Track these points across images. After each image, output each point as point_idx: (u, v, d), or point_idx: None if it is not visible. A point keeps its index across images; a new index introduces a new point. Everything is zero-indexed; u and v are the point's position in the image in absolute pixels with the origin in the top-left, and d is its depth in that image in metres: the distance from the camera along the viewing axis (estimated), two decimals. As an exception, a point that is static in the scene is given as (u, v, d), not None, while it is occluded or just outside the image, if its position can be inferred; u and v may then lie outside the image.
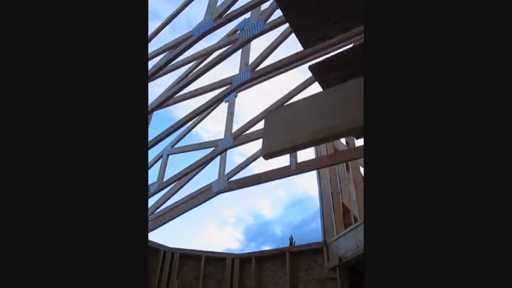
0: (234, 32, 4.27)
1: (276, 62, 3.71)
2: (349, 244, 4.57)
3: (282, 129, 1.76)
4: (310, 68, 1.90)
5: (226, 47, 3.77)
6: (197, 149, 4.79)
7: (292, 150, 1.75)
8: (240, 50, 4.05)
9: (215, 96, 4.02)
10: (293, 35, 3.75)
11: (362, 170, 5.58)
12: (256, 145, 5.03)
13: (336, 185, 5.48)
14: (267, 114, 1.89)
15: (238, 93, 4.74)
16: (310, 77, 4.77)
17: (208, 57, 4.29)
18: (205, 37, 3.70)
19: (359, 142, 5.15)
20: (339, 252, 4.76)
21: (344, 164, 5.95)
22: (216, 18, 3.38)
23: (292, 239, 14.95)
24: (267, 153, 1.73)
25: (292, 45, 3.96)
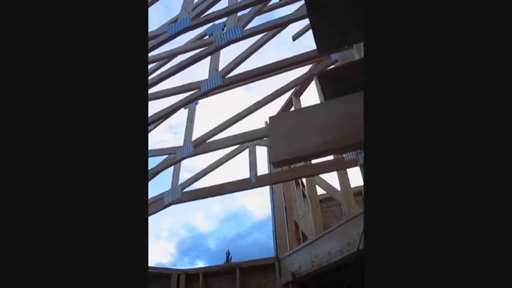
0: (201, 36, 4.11)
1: (248, 71, 3.62)
2: (304, 259, 4.55)
3: (291, 136, 1.66)
4: (319, 76, 1.84)
5: (198, 50, 3.59)
6: (152, 155, 4.45)
7: (305, 158, 1.66)
8: (209, 56, 3.90)
9: (181, 100, 3.79)
10: (264, 46, 3.63)
11: (317, 187, 5.65)
12: (215, 155, 4.85)
13: (290, 200, 5.47)
14: (270, 119, 1.77)
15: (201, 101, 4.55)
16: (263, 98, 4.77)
17: (171, 59, 4.05)
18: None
19: (317, 159, 5.24)
20: (292, 267, 4.72)
21: (294, 180, 6.02)
22: (194, 17, 3.20)
23: (229, 254, 14.68)
24: (278, 161, 1.61)
25: (258, 58, 3.93)
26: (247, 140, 4.64)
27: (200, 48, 3.51)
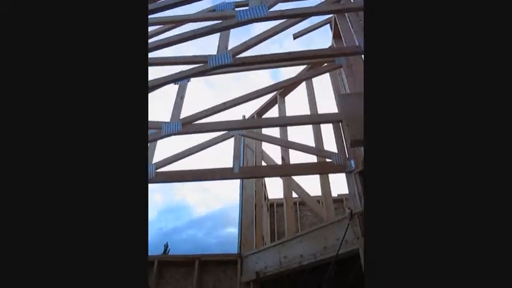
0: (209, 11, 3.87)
1: (261, 55, 3.46)
2: (271, 259, 4.43)
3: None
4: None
5: (215, 21, 3.36)
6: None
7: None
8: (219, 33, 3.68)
9: (182, 72, 3.51)
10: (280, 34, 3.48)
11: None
12: (197, 139, 4.57)
13: (261, 199, 5.34)
14: (340, 98, 1.64)
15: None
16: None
17: (178, 26, 3.77)
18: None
19: (295, 159, 5.19)
20: (257, 266, 4.58)
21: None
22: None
23: (167, 246, 14.08)
24: (357, 140, 1.49)
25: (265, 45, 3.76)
26: (234, 128, 4.45)
27: (218, 20, 3.28)
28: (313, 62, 5.03)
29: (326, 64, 4.90)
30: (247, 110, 5.50)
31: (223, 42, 3.65)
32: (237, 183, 5.63)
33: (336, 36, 4.76)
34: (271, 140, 4.65)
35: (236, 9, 3.55)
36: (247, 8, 3.28)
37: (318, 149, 4.37)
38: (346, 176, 4.08)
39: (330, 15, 4.75)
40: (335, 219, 4.00)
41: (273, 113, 5.94)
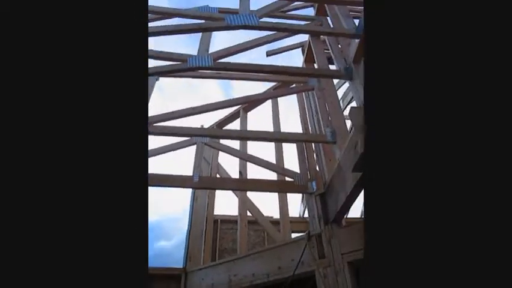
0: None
1: (244, 63, 3.40)
2: (220, 276, 4.21)
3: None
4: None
5: (200, 21, 3.24)
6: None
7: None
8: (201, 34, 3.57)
9: (158, 67, 3.32)
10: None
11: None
12: (156, 140, 4.31)
13: (212, 211, 5.13)
14: (351, 111, 1.62)
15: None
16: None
17: (168, 18, 3.59)
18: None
19: (251, 175, 5.10)
20: (204, 283, 4.32)
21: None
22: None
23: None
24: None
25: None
26: (199, 135, 4.28)
27: (208, 20, 3.16)
28: (283, 81, 5.08)
29: (294, 85, 4.98)
30: (205, 120, 5.34)
31: (204, 45, 3.53)
32: (176, 194, 5.39)
33: (308, 60, 4.86)
34: (234, 152, 4.54)
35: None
36: (236, 14, 3.22)
37: (281, 167, 4.34)
38: (306, 198, 4.09)
39: (304, 40, 4.86)
40: (290, 239, 3.96)
41: (233, 126, 5.87)
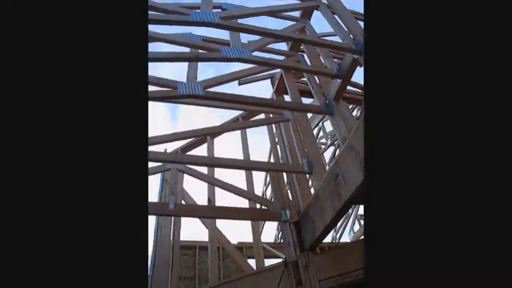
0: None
1: (233, 94, 3.50)
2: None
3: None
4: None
5: (184, 48, 3.29)
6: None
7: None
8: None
9: (150, 91, 3.27)
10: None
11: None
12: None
13: (178, 238, 4.97)
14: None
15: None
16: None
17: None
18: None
19: (219, 202, 5.07)
20: (171, 315, 4.13)
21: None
22: (224, 18, 2.98)
23: None
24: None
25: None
26: (170, 161, 4.21)
27: (203, 50, 3.22)
28: (251, 110, 5.23)
29: (263, 115, 5.15)
30: (167, 145, 5.24)
31: (193, 72, 3.56)
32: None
33: (279, 92, 5.08)
34: (207, 179, 4.52)
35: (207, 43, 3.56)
36: (229, 46, 3.32)
37: (254, 195, 4.40)
38: (280, 225, 4.18)
39: (277, 70, 5.07)
40: (265, 267, 4.00)
41: (198, 152, 5.83)
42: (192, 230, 5.81)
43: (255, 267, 4.87)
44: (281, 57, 4.64)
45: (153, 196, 5.16)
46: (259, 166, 4.43)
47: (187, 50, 3.48)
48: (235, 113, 5.57)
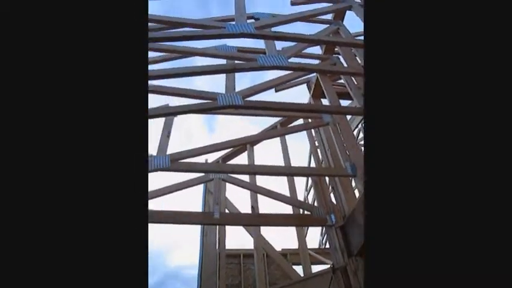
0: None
1: (270, 102, 3.52)
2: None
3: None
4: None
5: (220, 60, 3.36)
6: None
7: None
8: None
9: (191, 105, 3.37)
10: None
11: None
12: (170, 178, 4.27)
13: (224, 246, 5.05)
14: None
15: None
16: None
17: (184, 57, 3.67)
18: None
19: (262, 209, 5.10)
20: (222, 323, 4.19)
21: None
22: (259, 28, 3.03)
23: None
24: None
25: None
26: (213, 171, 4.29)
27: (240, 60, 3.28)
28: (290, 116, 5.23)
29: (302, 120, 5.14)
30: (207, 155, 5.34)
31: (231, 83, 3.63)
32: (157, 228, 5.33)
33: (316, 96, 5.05)
34: (250, 186, 4.56)
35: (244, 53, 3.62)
36: (265, 55, 3.36)
37: (298, 201, 4.39)
38: (326, 230, 4.13)
39: (313, 75, 5.06)
40: (314, 273, 3.96)
41: (238, 161, 5.91)
42: (234, 238, 5.83)
43: (301, 274, 4.83)
44: (316, 61, 4.62)
45: (197, 207, 5.26)
46: (302, 172, 4.41)
47: (220, 61, 3.56)
48: (271, 120, 5.60)
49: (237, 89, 3.54)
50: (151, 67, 3.63)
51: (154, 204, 4.36)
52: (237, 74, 3.60)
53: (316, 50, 4.96)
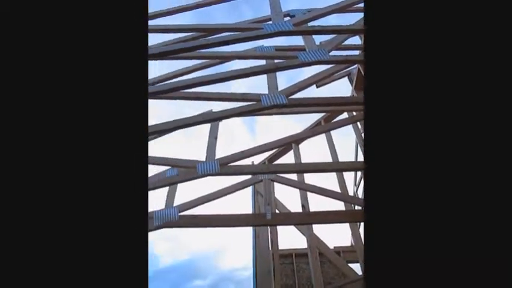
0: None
1: (315, 98, 3.46)
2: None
3: None
4: None
5: (260, 61, 3.34)
6: (165, 164, 3.75)
7: None
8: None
9: (235, 108, 3.39)
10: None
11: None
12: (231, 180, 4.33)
13: (277, 247, 5.05)
14: None
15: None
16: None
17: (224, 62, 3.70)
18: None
19: (314, 207, 5.04)
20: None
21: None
22: (297, 24, 3.00)
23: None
24: None
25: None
26: (262, 172, 4.29)
27: (279, 59, 3.26)
28: (332, 110, 5.12)
29: (346, 114, 5.01)
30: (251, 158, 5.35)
31: (272, 82, 3.61)
32: (205, 232, 5.35)
33: (358, 88, 4.91)
34: (299, 185, 4.52)
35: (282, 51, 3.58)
36: (306, 51, 3.31)
37: (349, 197, 4.29)
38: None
39: (354, 66, 4.92)
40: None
41: (284, 160, 5.88)
42: (285, 238, 5.80)
43: (358, 272, 4.71)
44: (356, 52, 4.49)
45: (248, 208, 5.29)
46: (350, 166, 4.30)
47: (259, 62, 3.55)
48: (312, 116, 5.51)
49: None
50: (192, 75, 3.71)
51: (203, 209, 4.44)
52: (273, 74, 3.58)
53: (355, 40, 4.82)
